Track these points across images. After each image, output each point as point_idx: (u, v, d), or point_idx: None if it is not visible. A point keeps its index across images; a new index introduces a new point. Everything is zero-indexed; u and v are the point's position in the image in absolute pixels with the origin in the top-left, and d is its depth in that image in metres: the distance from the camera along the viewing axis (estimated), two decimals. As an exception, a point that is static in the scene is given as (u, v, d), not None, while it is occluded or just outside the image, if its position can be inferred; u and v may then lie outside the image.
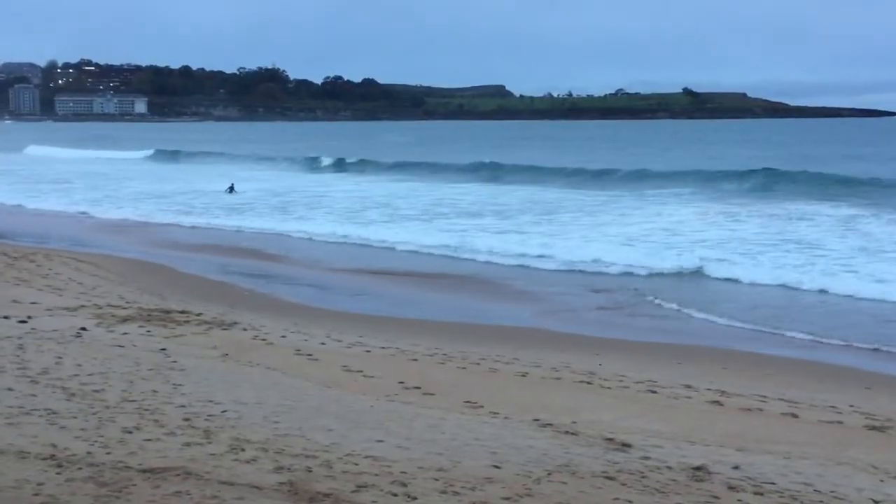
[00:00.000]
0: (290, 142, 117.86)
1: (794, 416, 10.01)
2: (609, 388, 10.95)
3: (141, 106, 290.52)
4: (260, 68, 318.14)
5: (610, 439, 8.40)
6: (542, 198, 39.97)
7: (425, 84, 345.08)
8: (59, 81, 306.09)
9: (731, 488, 7.16)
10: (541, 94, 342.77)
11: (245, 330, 13.41)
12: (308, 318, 15.44)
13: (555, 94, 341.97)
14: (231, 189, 43.00)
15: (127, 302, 15.50)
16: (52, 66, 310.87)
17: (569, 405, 9.86)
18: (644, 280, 20.21)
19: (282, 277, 20.82)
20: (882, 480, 7.77)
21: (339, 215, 33.60)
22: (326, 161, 67.59)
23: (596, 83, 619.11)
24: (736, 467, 7.73)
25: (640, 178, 48.48)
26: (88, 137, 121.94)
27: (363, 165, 64.53)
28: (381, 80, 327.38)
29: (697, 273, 20.69)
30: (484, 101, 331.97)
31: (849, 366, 13.20)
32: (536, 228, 29.13)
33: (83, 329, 12.36)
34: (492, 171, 56.11)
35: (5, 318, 12.85)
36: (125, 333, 12.36)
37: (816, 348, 14.31)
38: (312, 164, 67.53)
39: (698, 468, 7.60)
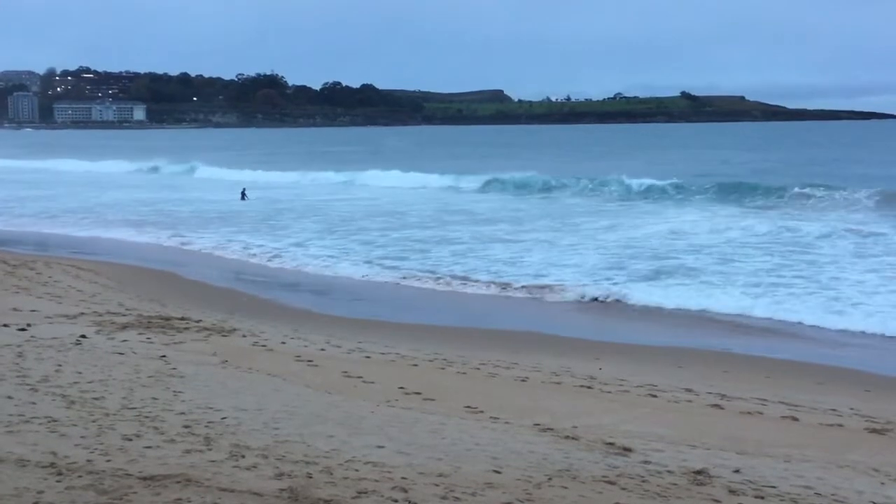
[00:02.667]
0: (291, 145, 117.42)
1: (795, 419, 10.01)
2: (609, 392, 10.95)
3: (140, 113, 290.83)
4: (258, 74, 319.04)
5: (610, 443, 8.40)
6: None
7: (424, 89, 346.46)
8: (58, 89, 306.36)
9: (731, 492, 7.15)
10: (539, 99, 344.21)
11: (245, 336, 13.41)
12: (308, 324, 15.44)
13: (553, 99, 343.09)
14: (243, 195, 43.30)
15: (126, 309, 15.49)
16: (50, 73, 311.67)
17: (569, 409, 9.86)
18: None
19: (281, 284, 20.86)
20: (883, 483, 7.77)
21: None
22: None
23: (594, 87, 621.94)
24: (737, 471, 7.73)
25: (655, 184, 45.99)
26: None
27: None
28: (379, 86, 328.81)
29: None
30: (483, 106, 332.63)
31: (849, 368, 13.20)
32: (532, 235, 29.04)
33: (83, 336, 12.36)
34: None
35: (5, 326, 12.84)
36: (125, 340, 12.35)
37: (816, 351, 14.31)
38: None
39: (699, 472, 7.59)
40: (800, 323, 16.35)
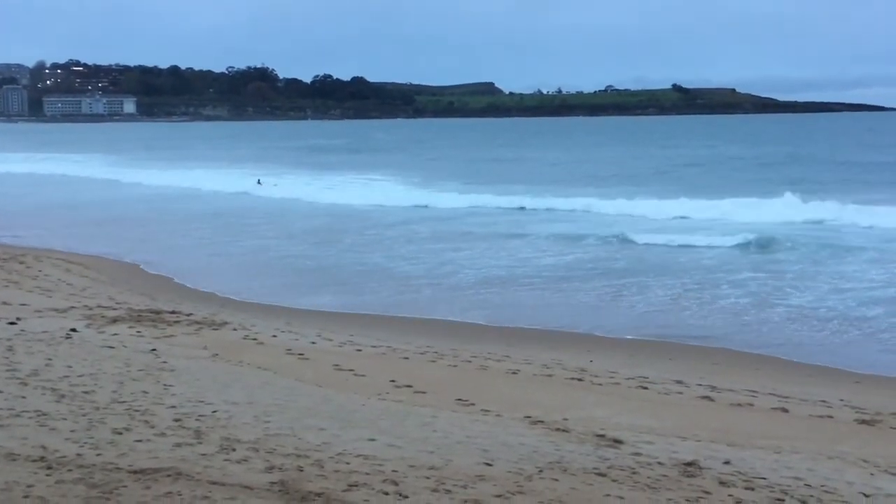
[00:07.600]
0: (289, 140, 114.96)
1: (785, 410, 10.04)
2: (600, 384, 10.97)
3: (130, 106, 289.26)
4: (249, 67, 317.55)
5: (601, 436, 8.41)
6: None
7: (415, 82, 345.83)
8: (48, 82, 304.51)
9: (722, 483, 7.17)
10: (530, 92, 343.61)
11: (235, 329, 13.39)
12: (299, 318, 15.42)
13: (544, 91, 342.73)
14: (259, 183, 47.18)
15: (117, 303, 15.45)
16: (40, 66, 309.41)
17: (560, 402, 9.87)
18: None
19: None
20: (872, 474, 7.79)
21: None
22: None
23: (585, 80, 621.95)
24: (727, 462, 7.75)
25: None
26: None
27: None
28: (370, 79, 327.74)
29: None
30: (474, 99, 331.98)
31: (838, 360, 13.24)
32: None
33: (73, 330, 12.31)
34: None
35: (-6, 319, 12.78)
36: (115, 334, 12.32)
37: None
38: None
39: (689, 464, 7.61)
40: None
